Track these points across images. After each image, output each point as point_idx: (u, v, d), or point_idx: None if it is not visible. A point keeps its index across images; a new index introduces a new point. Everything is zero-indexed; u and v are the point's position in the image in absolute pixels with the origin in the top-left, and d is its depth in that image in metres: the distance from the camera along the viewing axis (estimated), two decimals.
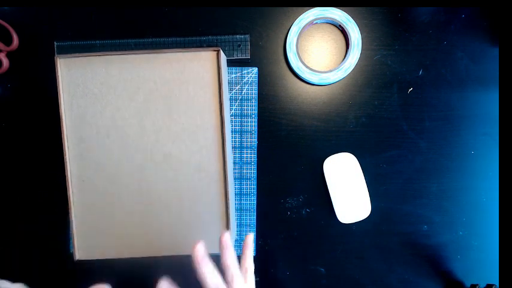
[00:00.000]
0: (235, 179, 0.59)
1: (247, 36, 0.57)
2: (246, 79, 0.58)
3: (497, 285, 0.55)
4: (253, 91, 0.58)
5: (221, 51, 0.47)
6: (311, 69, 0.56)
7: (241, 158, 0.59)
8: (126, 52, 0.48)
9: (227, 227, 0.49)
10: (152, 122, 0.48)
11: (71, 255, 0.51)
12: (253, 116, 0.58)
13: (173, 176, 0.48)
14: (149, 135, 0.48)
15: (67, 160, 0.48)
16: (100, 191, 0.49)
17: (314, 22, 0.56)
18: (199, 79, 0.47)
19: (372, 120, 0.58)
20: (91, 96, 0.48)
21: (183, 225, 0.49)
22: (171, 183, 0.49)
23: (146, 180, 0.49)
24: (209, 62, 0.47)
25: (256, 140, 0.59)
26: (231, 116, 0.58)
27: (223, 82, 0.47)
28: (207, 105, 0.48)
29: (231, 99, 0.58)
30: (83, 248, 0.49)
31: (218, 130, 0.48)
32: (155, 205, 0.49)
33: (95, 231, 0.49)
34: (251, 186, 0.59)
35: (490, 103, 0.56)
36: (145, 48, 0.58)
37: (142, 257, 0.49)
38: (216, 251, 0.41)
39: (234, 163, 0.59)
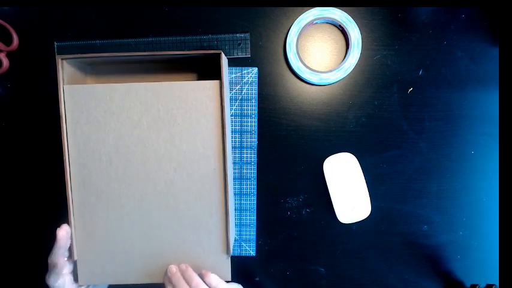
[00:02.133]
0: (235, 179, 0.59)
1: (248, 34, 0.57)
2: (246, 79, 0.58)
3: (497, 285, 0.55)
4: (253, 91, 0.58)
5: (222, 54, 0.47)
6: (311, 69, 0.56)
7: (241, 158, 0.59)
8: (130, 80, 0.49)
9: (227, 252, 0.50)
10: (155, 149, 0.49)
11: None
12: (253, 116, 0.58)
13: (174, 204, 0.49)
14: (151, 162, 0.49)
15: (69, 187, 0.49)
16: (101, 217, 0.49)
17: (314, 22, 0.56)
18: (203, 108, 0.48)
19: (372, 120, 0.58)
20: (94, 123, 0.48)
21: (184, 253, 0.50)
22: (172, 211, 0.49)
23: (147, 207, 0.49)
24: (212, 92, 0.48)
25: (256, 140, 0.59)
26: (231, 116, 0.58)
27: (225, 112, 0.48)
28: (210, 134, 0.48)
29: (231, 99, 0.58)
30: (84, 274, 0.50)
31: (220, 160, 0.48)
32: (156, 232, 0.50)
33: (96, 256, 0.50)
34: (251, 186, 0.59)
35: (490, 103, 0.56)
36: (146, 49, 0.58)
37: (144, 283, 0.50)
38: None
39: (234, 163, 0.59)
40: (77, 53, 0.58)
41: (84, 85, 0.49)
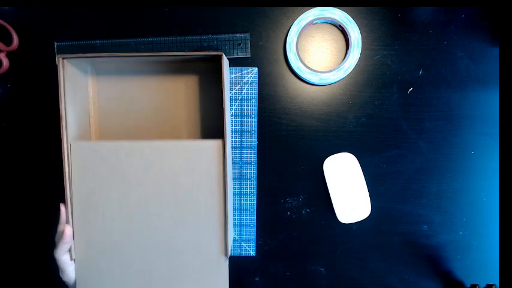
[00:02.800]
0: (235, 179, 0.59)
1: (248, 34, 0.57)
2: (246, 79, 0.58)
3: (497, 285, 0.55)
4: (253, 91, 0.58)
5: (223, 56, 0.47)
6: (311, 69, 0.56)
7: (241, 158, 0.59)
8: (135, 139, 0.50)
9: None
10: (157, 207, 0.50)
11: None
12: (253, 116, 0.58)
13: (175, 259, 0.50)
14: (153, 219, 0.50)
15: (73, 245, 0.50)
16: (103, 270, 0.50)
17: (314, 22, 0.56)
18: (206, 168, 0.49)
19: (372, 120, 0.58)
20: (99, 180, 0.49)
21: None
22: (172, 266, 0.50)
23: (148, 261, 0.50)
24: (215, 151, 0.48)
25: (256, 140, 0.59)
26: (231, 116, 0.58)
27: (227, 170, 0.49)
28: (212, 194, 0.49)
29: (231, 99, 0.58)
30: None
31: (221, 219, 0.49)
32: (157, 285, 0.50)
33: None
34: (251, 186, 0.59)
35: (490, 103, 0.56)
36: (146, 49, 0.58)
37: None
38: None
39: (234, 163, 0.59)
40: (77, 53, 0.58)
41: (91, 142, 0.50)
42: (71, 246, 0.49)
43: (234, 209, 0.59)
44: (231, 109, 0.58)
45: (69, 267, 0.49)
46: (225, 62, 0.49)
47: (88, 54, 0.49)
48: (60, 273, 0.49)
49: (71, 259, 0.49)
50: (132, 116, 0.56)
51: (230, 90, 0.58)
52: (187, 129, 0.56)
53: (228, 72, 0.55)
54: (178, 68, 0.55)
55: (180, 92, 0.56)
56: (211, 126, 0.56)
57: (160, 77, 0.56)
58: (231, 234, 0.51)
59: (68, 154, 0.49)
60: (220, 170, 0.49)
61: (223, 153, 0.48)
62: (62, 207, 0.49)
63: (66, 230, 0.48)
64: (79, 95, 0.53)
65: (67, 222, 0.49)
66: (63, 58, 0.48)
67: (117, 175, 0.49)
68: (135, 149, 0.49)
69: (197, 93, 0.56)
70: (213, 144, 0.48)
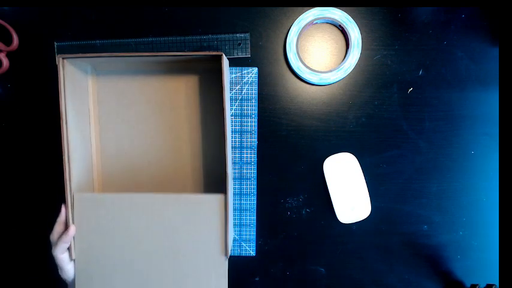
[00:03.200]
0: (235, 179, 0.59)
1: (248, 34, 0.57)
2: (246, 79, 0.58)
3: (497, 285, 0.55)
4: (253, 91, 0.58)
5: (223, 56, 0.47)
6: (311, 69, 0.56)
7: (241, 158, 0.59)
8: (137, 192, 0.50)
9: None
10: (158, 261, 0.50)
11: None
12: (253, 116, 0.58)
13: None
14: (154, 273, 0.50)
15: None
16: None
17: (314, 22, 0.56)
18: (207, 222, 0.49)
19: (372, 120, 0.58)
20: (102, 233, 0.50)
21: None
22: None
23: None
24: (216, 206, 0.49)
25: (256, 140, 0.59)
26: (231, 116, 0.58)
27: (229, 227, 0.49)
28: (213, 249, 0.49)
29: (231, 99, 0.58)
30: None
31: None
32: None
33: None
34: (251, 186, 0.59)
35: (490, 103, 0.56)
36: (146, 49, 0.58)
37: None
38: None
39: (234, 163, 0.59)
40: (77, 53, 0.58)
41: (94, 194, 0.51)
42: (70, 245, 0.49)
43: (234, 209, 0.59)
44: (231, 109, 0.58)
45: (67, 265, 0.49)
46: (225, 62, 0.49)
47: (88, 54, 0.49)
48: (59, 271, 0.49)
49: (70, 259, 0.50)
50: (132, 119, 0.56)
51: (230, 90, 0.58)
52: (188, 134, 0.57)
53: (228, 72, 0.55)
54: (179, 68, 0.55)
55: (180, 92, 0.56)
56: (212, 128, 0.56)
57: (160, 77, 0.56)
58: (231, 234, 0.51)
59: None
60: (222, 225, 0.49)
61: (225, 207, 0.49)
62: (63, 208, 0.49)
63: (70, 230, 0.48)
64: (79, 95, 0.53)
65: (67, 222, 0.49)
66: (63, 58, 0.48)
67: (119, 227, 0.50)
68: (137, 202, 0.50)
69: (197, 93, 0.56)
70: (215, 198, 0.49)
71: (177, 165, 0.57)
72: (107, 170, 0.57)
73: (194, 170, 0.57)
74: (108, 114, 0.56)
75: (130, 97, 0.56)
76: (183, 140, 0.56)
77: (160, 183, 0.57)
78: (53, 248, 0.48)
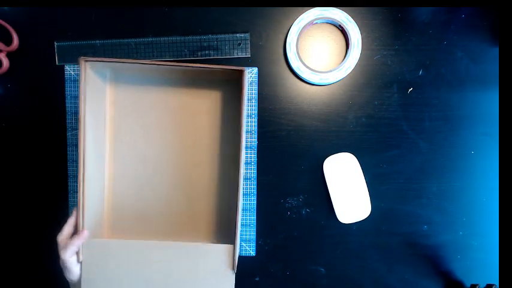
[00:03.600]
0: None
1: (248, 34, 0.57)
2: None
3: (497, 285, 0.55)
4: (253, 91, 0.58)
5: (245, 72, 0.46)
6: (311, 69, 0.56)
7: None
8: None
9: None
10: None
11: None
12: (253, 116, 0.58)
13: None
14: None
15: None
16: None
17: (314, 22, 0.56)
18: (214, 272, 0.49)
19: (372, 120, 0.58)
20: (108, 277, 0.50)
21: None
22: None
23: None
24: (224, 255, 0.49)
25: (256, 140, 0.59)
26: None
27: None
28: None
29: None
30: None
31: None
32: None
33: None
34: (251, 186, 0.59)
35: (490, 103, 0.56)
36: (146, 49, 0.58)
37: None
38: None
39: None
40: (77, 53, 0.58)
41: (103, 240, 0.51)
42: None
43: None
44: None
45: (75, 267, 0.49)
46: (246, 77, 0.48)
47: (109, 59, 0.48)
48: (64, 272, 0.49)
49: (78, 262, 0.50)
50: (148, 126, 0.56)
51: None
52: (207, 158, 0.56)
53: (247, 87, 0.55)
54: (199, 79, 0.54)
55: (200, 113, 0.55)
56: (228, 147, 0.56)
57: (180, 89, 0.55)
58: (238, 249, 0.51)
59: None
60: (230, 278, 0.49)
61: (233, 258, 0.49)
62: (74, 210, 0.49)
63: (84, 234, 0.48)
64: (96, 99, 0.52)
65: (78, 226, 0.49)
66: (85, 61, 0.47)
67: (126, 274, 0.50)
68: (144, 249, 0.50)
69: (218, 114, 0.55)
70: (223, 248, 0.49)
71: (191, 204, 0.57)
72: (119, 172, 0.56)
73: (207, 208, 0.57)
74: (123, 126, 0.55)
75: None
76: (199, 165, 0.56)
77: (171, 217, 0.57)
78: (61, 250, 0.48)
